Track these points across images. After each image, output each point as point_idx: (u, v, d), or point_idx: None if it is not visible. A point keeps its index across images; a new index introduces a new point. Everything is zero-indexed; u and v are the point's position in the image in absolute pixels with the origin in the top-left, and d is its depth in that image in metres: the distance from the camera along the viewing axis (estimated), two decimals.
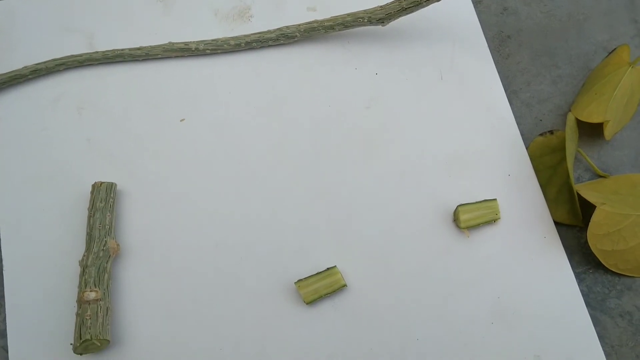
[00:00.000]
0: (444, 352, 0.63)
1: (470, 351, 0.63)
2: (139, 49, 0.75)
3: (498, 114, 0.74)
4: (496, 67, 0.76)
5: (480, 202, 0.67)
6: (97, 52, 0.75)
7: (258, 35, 0.76)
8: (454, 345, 0.63)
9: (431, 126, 0.73)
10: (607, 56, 0.78)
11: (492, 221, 0.67)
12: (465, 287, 0.65)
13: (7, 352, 0.63)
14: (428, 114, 0.74)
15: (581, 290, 0.66)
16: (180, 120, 0.74)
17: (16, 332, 0.63)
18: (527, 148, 0.72)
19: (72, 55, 0.75)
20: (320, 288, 0.64)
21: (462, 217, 0.66)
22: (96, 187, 0.67)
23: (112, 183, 0.68)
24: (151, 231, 0.68)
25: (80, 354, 0.61)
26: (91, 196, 0.67)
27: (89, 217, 0.66)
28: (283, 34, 0.76)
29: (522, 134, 0.73)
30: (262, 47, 0.77)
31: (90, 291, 0.62)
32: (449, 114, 0.74)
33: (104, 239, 0.65)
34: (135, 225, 0.68)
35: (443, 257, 0.67)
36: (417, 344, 0.63)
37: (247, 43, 0.76)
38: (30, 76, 0.74)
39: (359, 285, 0.66)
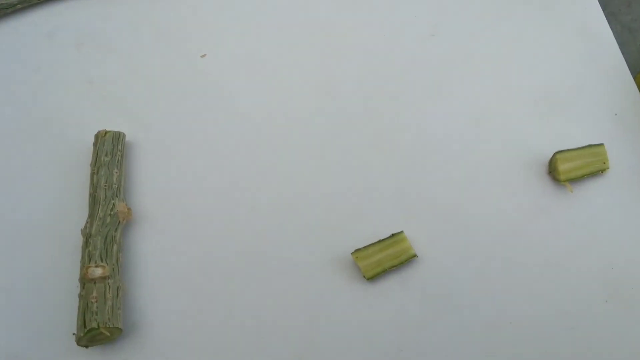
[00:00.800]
0: (543, 338, 0.50)
1: (579, 337, 0.50)
2: None
3: (596, 39, 0.60)
4: None
5: (583, 147, 0.54)
6: None
7: None
8: (557, 330, 0.50)
9: (513, 56, 0.60)
10: None
11: (600, 172, 0.53)
12: (568, 256, 0.52)
13: None
14: (508, 42, 0.61)
15: None
16: (201, 56, 0.61)
17: (5, 320, 0.51)
18: (634, 80, 0.58)
19: None
20: (384, 259, 0.51)
21: (562, 167, 0.53)
22: (100, 138, 0.55)
23: (119, 132, 0.55)
24: (169, 192, 0.56)
25: (86, 346, 0.49)
26: (94, 148, 0.55)
27: (92, 174, 0.53)
28: None
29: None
30: None
31: (96, 267, 0.50)
32: (535, 40, 0.61)
33: (111, 202, 0.52)
34: (150, 184, 0.56)
35: (538, 219, 0.53)
36: (509, 329, 0.50)
37: None
38: (19, 6, 0.64)
39: (432, 255, 0.53)
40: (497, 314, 0.51)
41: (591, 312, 0.50)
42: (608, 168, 0.53)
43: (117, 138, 0.55)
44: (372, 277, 0.52)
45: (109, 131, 0.55)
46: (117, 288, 0.50)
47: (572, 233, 0.53)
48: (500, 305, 0.51)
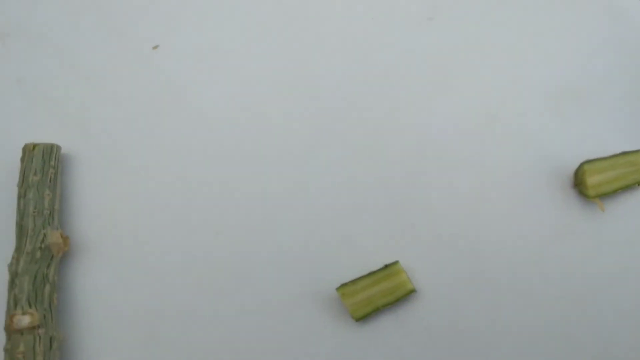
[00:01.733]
0: None
1: None
2: None
3: (626, 20, 0.49)
4: None
5: (616, 155, 0.44)
6: None
7: None
8: None
9: (528, 43, 0.50)
10: None
11: (637, 185, 0.44)
12: (600, 288, 0.43)
13: None
14: (522, 25, 0.50)
15: None
16: (153, 48, 0.51)
17: None
18: None
19: None
20: (376, 296, 0.42)
21: (591, 180, 0.43)
22: (28, 152, 0.45)
23: (52, 145, 0.46)
24: (116, 215, 0.46)
25: None
26: (21, 165, 0.45)
27: (19, 197, 0.44)
28: None
29: None
30: None
31: (23, 314, 0.40)
32: (554, 23, 0.50)
33: (42, 232, 0.43)
34: (91, 206, 0.46)
35: (561, 244, 0.44)
36: None
37: None
38: None
39: (433, 289, 0.44)
40: (512, 357, 0.42)
41: (630, 357, 0.41)
42: None
43: (50, 152, 0.45)
44: (362, 318, 0.43)
45: (39, 144, 0.45)
46: (50, 339, 0.41)
47: (604, 260, 0.43)
48: (517, 349, 0.42)
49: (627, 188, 0.44)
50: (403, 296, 0.43)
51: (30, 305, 0.41)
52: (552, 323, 0.42)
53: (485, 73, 0.49)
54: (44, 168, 0.44)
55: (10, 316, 0.41)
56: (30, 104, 0.49)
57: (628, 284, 0.43)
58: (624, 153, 0.44)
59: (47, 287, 0.42)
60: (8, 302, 0.41)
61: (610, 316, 0.42)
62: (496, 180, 0.46)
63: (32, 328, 0.40)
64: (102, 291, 0.44)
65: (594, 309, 0.42)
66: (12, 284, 0.42)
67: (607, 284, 0.43)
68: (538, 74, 0.49)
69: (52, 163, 0.45)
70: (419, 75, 0.49)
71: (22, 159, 0.45)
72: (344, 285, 0.43)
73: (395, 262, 0.43)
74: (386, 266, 0.43)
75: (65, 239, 0.44)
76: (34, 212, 0.43)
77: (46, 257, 0.43)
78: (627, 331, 0.42)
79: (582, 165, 0.44)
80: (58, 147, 0.46)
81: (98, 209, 0.46)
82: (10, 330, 0.40)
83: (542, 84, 0.48)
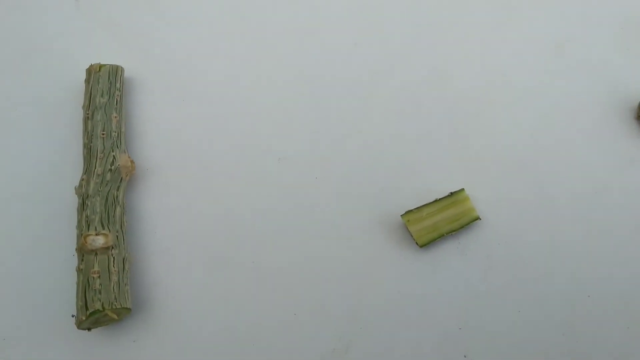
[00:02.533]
0: (628, 316, 0.42)
1: None
2: None
3: None
4: None
5: None
6: None
7: None
8: None
9: None
10: None
11: None
12: None
13: None
14: None
15: None
16: None
17: None
18: None
19: None
20: (441, 223, 0.43)
21: None
22: (93, 73, 0.44)
23: (117, 66, 0.45)
24: (180, 139, 0.46)
25: (88, 329, 0.41)
26: (86, 87, 0.44)
27: (86, 119, 0.44)
28: None
29: None
30: None
31: (97, 235, 0.41)
32: None
33: (111, 154, 0.43)
34: (156, 130, 0.46)
35: (625, 174, 0.45)
36: (587, 304, 0.43)
37: None
38: None
39: (497, 217, 0.45)
40: (573, 287, 0.43)
41: None
42: None
43: (115, 73, 0.45)
44: (426, 244, 0.43)
45: (104, 65, 0.44)
46: (123, 260, 0.41)
47: None
48: (578, 276, 0.43)
49: None
50: (467, 223, 0.44)
51: (103, 227, 0.41)
52: (613, 251, 0.43)
53: (553, 2, 0.48)
54: (110, 90, 0.44)
55: (84, 236, 0.41)
56: (91, 24, 0.48)
57: None
58: None
59: (118, 209, 0.42)
60: (79, 223, 0.42)
61: None
62: (561, 111, 0.46)
63: (105, 248, 0.41)
64: (166, 214, 0.45)
65: None
66: (82, 205, 0.42)
67: None
68: (607, 5, 0.48)
69: (118, 85, 0.45)
70: (486, 4, 0.48)
71: (87, 81, 0.44)
72: (409, 212, 0.43)
73: (461, 190, 0.44)
74: (452, 194, 0.44)
75: (132, 162, 0.44)
76: (102, 134, 0.43)
77: (116, 180, 0.43)
78: None
79: None
80: (122, 69, 0.45)
81: (161, 133, 0.46)
82: (84, 250, 0.41)
83: (610, 16, 0.48)
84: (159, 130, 0.46)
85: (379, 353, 0.42)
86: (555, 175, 0.45)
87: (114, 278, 0.40)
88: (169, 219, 0.44)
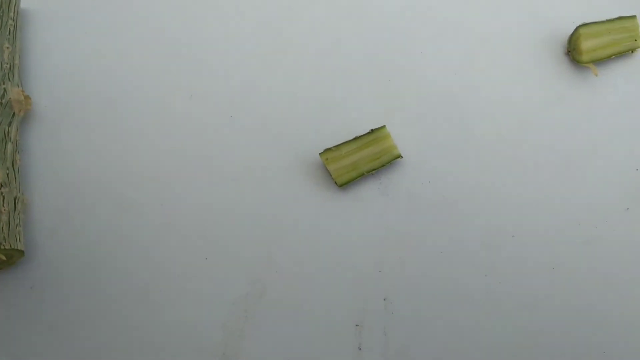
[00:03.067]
0: (552, 253, 0.41)
1: (594, 251, 0.41)
2: None
3: None
4: None
5: (611, 20, 0.43)
6: None
7: None
8: (569, 243, 0.41)
9: None
10: None
11: (630, 51, 0.43)
12: (586, 154, 0.43)
13: None
14: None
15: None
16: None
17: None
18: None
19: None
20: (361, 161, 0.41)
21: (585, 44, 0.42)
22: None
23: None
24: (86, 76, 0.42)
25: None
26: None
27: None
28: None
29: None
30: None
31: None
32: None
33: (1, 86, 0.39)
34: (54, 65, 0.42)
35: (551, 109, 0.43)
36: (510, 243, 0.41)
37: None
38: None
39: (419, 155, 0.43)
40: (497, 225, 0.41)
41: (609, 222, 0.41)
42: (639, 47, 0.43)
43: (8, 2, 0.41)
44: (346, 183, 0.41)
45: None
46: (15, 199, 0.38)
47: (593, 126, 0.43)
48: (501, 214, 0.41)
49: (619, 54, 0.43)
50: (388, 162, 0.41)
51: None
52: (537, 188, 0.42)
53: None
54: (2, 19, 0.41)
55: None
56: None
57: (614, 148, 0.42)
58: (620, 18, 0.43)
59: (10, 146, 0.39)
60: None
61: (593, 180, 0.42)
62: (487, 46, 0.44)
63: None
64: (63, 153, 0.42)
65: (580, 172, 0.42)
66: None
67: (594, 148, 0.42)
68: None
69: (12, 14, 0.41)
70: None
71: None
72: (328, 150, 0.41)
73: (382, 127, 0.41)
74: (372, 131, 0.42)
75: (27, 97, 0.41)
76: None
77: (7, 114, 0.40)
78: (608, 194, 0.42)
79: (577, 29, 0.42)
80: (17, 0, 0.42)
81: (62, 68, 0.43)
82: None
83: None
84: (60, 65, 0.43)
85: (295, 297, 0.40)
86: (480, 112, 0.43)
87: (4, 218, 0.37)
88: (70, 158, 0.41)
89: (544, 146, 0.42)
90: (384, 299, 0.40)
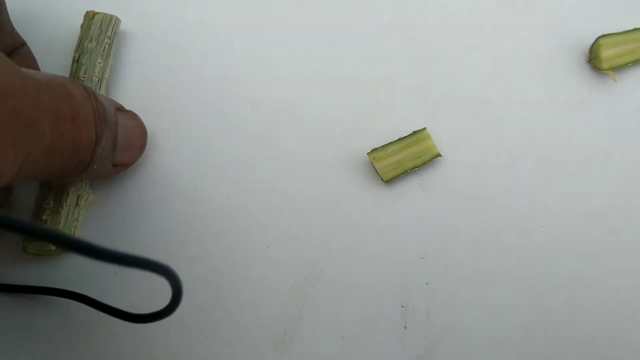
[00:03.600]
0: (578, 242, 0.45)
1: (617, 241, 0.45)
2: None
3: None
4: None
5: (629, 31, 0.47)
6: None
7: None
8: (594, 232, 0.45)
9: None
10: None
11: None
12: (608, 153, 0.47)
13: None
14: None
15: None
16: None
17: None
18: None
19: None
20: (404, 160, 0.46)
21: (604, 53, 0.47)
22: (87, 19, 0.47)
23: (112, 16, 0.48)
24: (159, 85, 0.49)
25: (39, 255, 0.45)
26: (80, 32, 0.47)
27: (73, 61, 0.46)
28: None
29: None
30: None
31: None
32: None
33: None
34: (142, 85, 0.49)
35: (575, 113, 0.48)
36: (540, 233, 0.46)
37: None
38: None
39: (457, 154, 0.47)
40: (527, 218, 0.46)
41: (632, 214, 0.46)
42: None
43: (109, 22, 0.47)
44: (391, 180, 0.46)
45: (99, 13, 0.47)
46: (78, 197, 0.44)
47: (614, 128, 0.47)
48: (532, 207, 0.46)
49: (636, 62, 0.47)
50: (429, 160, 0.47)
51: None
52: (564, 184, 0.46)
53: None
54: (100, 37, 0.47)
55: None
56: None
57: (634, 147, 0.47)
58: (636, 29, 0.47)
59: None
60: None
61: (615, 176, 0.46)
62: (517, 54, 0.48)
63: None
64: (143, 161, 0.48)
65: (602, 170, 0.46)
66: None
67: (615, 147, 0.46)
68: None
69: (109, 34, 0.47)
70: None
71: (82, 26, 0.47)
72: (375, 150, 0.47)
73: (423, 129, 0.47)
74: (414, 132, 0.47)
75: None
76: (83, 76, 0.46)
77: None
78: (630, 188, 0.46)
79: (597, 39, 0.47)
80: (118, 20, 0.47)
81: (143, 82, 0.49)
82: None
83: None
84: (144, 78, 0.49)
85: (346, 281, 0.46)
86: (511, 115, 0.48)
87: (63, 211, 0.43)
88: (141, 161, 0.47)
89: (569, 145, 0.47)
90: (426, 283, 0.45)
